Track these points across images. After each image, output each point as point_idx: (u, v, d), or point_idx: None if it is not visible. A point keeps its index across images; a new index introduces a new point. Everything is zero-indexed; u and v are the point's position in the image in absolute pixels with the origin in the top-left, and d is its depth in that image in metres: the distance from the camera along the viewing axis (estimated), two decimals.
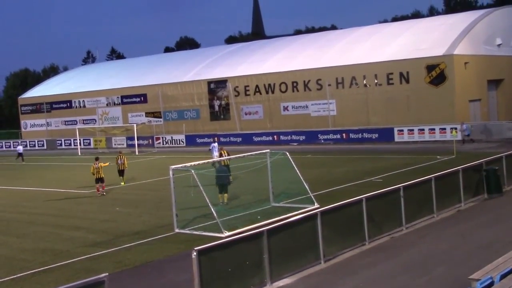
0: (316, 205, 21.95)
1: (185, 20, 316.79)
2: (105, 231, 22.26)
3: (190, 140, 61.87)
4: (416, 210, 19.55)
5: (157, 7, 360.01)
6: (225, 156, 29.20)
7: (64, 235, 22.18)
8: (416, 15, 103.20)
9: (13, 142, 70.44)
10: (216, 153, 35.29)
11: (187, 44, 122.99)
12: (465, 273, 11.93)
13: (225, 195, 24.60)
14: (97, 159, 32.85)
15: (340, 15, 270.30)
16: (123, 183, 34.66)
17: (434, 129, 46.97)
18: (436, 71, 48.68)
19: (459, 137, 43.12)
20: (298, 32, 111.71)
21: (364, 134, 50.50)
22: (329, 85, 54.39)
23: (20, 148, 57.92)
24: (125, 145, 65.25)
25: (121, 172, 34.77)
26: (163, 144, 63.50)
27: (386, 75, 51.60)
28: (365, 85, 52.45)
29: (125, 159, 35.09)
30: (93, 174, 31.65)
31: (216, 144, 38.08)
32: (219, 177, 24.26)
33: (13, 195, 34.04)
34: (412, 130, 48.15)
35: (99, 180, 31.45)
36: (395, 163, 34.51)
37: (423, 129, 47.56)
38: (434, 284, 13.92)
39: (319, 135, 53.51)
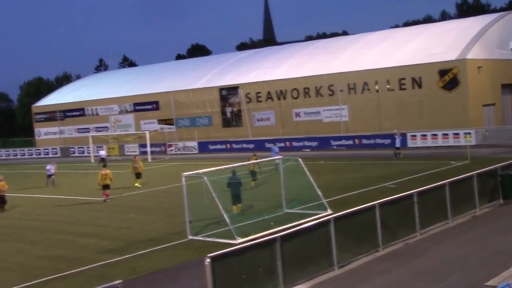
0: (329, 211, 21.87)
1: (196, 27, 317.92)
2: (119, 238, 22.29)
3: (203, 147, 61.95)
4: (431, 216, 19.40)
5: (168, 15, 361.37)
6: (253, 161, 30.24)
7: (78, 242, 22.24)
8: (428, 19, 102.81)
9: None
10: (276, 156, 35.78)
11: (198, 51, 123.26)
12: (481, 280, 11.84)
13: (239, 205, 24.12)
14: (104, 166, 33.14)
15: (351, 21, 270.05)
16: (137, 184, 35.87)
17: (447, 134, 46.70)
18: (449, 76, 48.43)
19: (473, 142, 42.82)
20: (309, 38, 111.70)
21: (377, 139, 50.29)
22: (341, 90, 54.29)
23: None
24: (137, 152, 65.39)
25: (138, 175, 36.39)
26: (175, 151, 63.62)
27: (398, 80, 51.42)
28: (377, 91, 52.28)
29: (140, 163, 36.80)
30: (100, 181, 31.85)
31: (276, 148, 40.95)
32: (230, 186, 23.90)
33: (28, 203, 34.19)
34: (425, 135, 47.91)
35: (106, 187, 31.68)
36: (409, 169, 34.34)
37: (436, 134, 47.31)
38: None
39: (331, 141, 53.37)
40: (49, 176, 41.74)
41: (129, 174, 37.22)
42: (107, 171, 32.12)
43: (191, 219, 21.18)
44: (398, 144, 43.01)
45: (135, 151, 65.47)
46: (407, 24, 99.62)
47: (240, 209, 24.21)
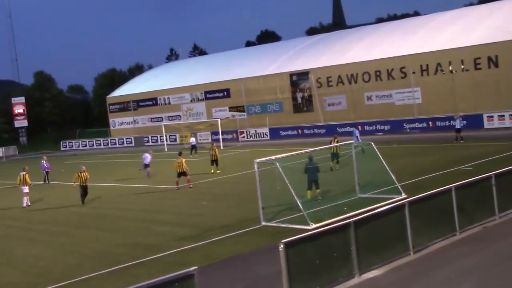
0: (404, 196, 21.56)
1: (265, 14, 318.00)
2: (194, 225, 22.70)
3: (274, 133, 62.13)
4: (510, 199, 18.81)
5: (237, 2, 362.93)
6: (335, 142, 31.16)
7: (155, 229, 22.78)
8: None
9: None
10: (357, 140, 36.23)
11: (268, 37, 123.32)
12: None
13: (317, 190, 24.05)
14: (180, 154, 33.67)
15: (422, 1, 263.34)
16: (212, 171, 37.16)
17: None
18: None
19: None
20: (380, 20, 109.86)
21: (452, 121, 48.89)
22: (413, 72, 53.26)
23: (193, 140, 56.18)
24: (209, 140, 66.20)
25: (213, 162, 37.69)
26: (247, 138, 64.08)
27: (473, 60, 49.97)
28: (451, 71, 50.97)
29: (216, 150, 37.93)
30: (177, 169, 32.47)
31: (357, 131, 40.94)
32: (307, 172, 23.89)
33: (106, 192, 35.23)
34: (503, 115, 46.44)
35: (181, 174, 32.25)
36: (486, 151, 33.39)
37: None
38: None
39: (404, 124, 52.51)
40: (146, 165, 39.80)
41: (204, 161, 37.83)
42: (182, 159, 32.67)
43: (264, 205, 21.33)
44: (458, 126, 41.51)
45: (207, 139, 66.38)
46: (482, 1, 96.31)
47: (320, 194, 24.17)
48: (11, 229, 26.59)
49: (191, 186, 32.23)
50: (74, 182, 31.39)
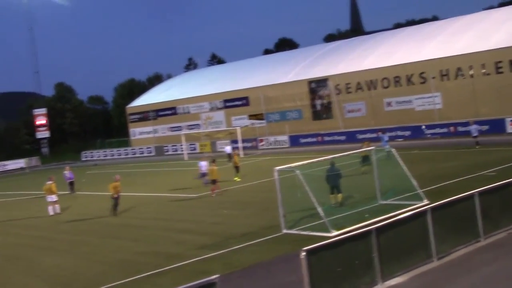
0: (426, 202, 21.41)
1: (283, 21, 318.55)
2: (214, 233, 22.70)
3: (294, 140, 62.04)
4: None
5: (254, 11, 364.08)
6: (365, 147, 31.10)
7: (175, 238, 22.83)
8: None
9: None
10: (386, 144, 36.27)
11: (286, 44, 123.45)
12: None
13: (339, 195, 24.28)
14: (213, 161, 33.76)
15: (441, 6, 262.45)
16: (236, 179, 37.69)
17: None
18: None
19: None
20: (398, 26, 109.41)
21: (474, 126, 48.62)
22: (433, 77, 52.92)
23: (228, 149, 55.16)
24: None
25: (236, 169, 38.54)
26: (267, 145, 64.05)
27: (495, 64, 49.52)
28: (472, 76, 50.57)
29: (236, 157, 39.23)
30: (209, 175, 32.73)
31: (386, 136, 40.47)
32: (329, 178, 24.04)
33: (126, 201, 35.37)
34: None
35: (213, 181, 32.49)
36: (509, 156, 32.96)
37: None
38: None
39: (425, 130, 52.15)
40: (203, 175, 37.01)
41: (224, 170, 37.94)
42: (214, 167, 32.87)
43: (285, 213, 21.28)
44: (475, 133, 41.75)
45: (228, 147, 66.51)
46: (502, 4, 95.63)
47: (341, 199, 24.29)
48: (36, 239, 26.82)
49: (213, 195, 32.23)
50: (113, 194, 30.35)
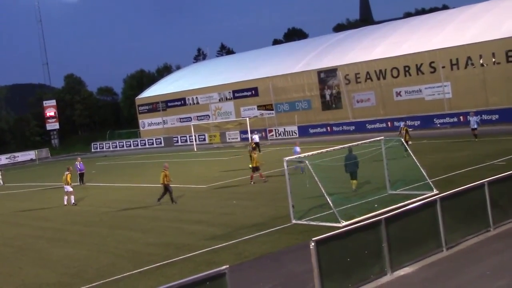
0: (435, 191, 21.37)
1: (292, 12, 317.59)
2: (224, 224, 22.76)
3: (303, 131, 62.00)
4: None
5: (263, 1, 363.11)
6: (404, 132, 33.73)
7: (185, 229, 22.91)
8: None
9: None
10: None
11: (295, 35, 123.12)
12: None
13: (354, 181, 24.96)
14: (254, 148, 33.41)
15: None
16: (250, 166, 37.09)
17: None
18: None
19: None
20: (407, 15, 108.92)
21: (483, 115, 48.32)
22: (443, 67, 52.67)
23: (256, 138, 52.71)
24: (238, 139, 66.39)
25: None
26: (276, 136, 64.04)
27: (505, 53, 49.19)
28: (482, 65, 50.29)
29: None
30: (253, 163, 32.70)
31: (401, 123, 39.91)
32: (347, 165, 24.76)
33: (137, 192, 35.56)
34: None
35: (256, 168, 32.55)
36: None
37: None
38: None
39: (434, 119, 51.98)
40: (256, 144, 36.21)
41: (231, 160, 37.75)
42: (254, 154, 33.14)
43: (294, 203, 21.30)
44: (474, 125, 39.59)
45: (236, 138, 66.61)
46: None
47: (355, 185, 24.85)
48: (46, 230, 26.98)
49: (265, 180, 32.05)
50: (165, 182, 29.23)
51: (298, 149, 33.04)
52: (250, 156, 38.06)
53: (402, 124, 38.99)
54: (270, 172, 35.51)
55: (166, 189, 29.26)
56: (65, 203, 33.21)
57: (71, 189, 33.53)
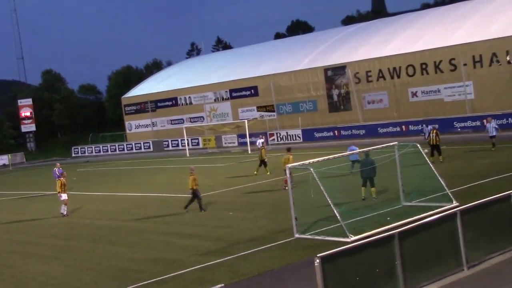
0: (455, 203, 21.39)
1: (296, 2, 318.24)
2: (219, 238, 22.74)
3: (308, 134, 62.07)
4: None
5: None
6: (434, 136, 34.57)
7: (176, 243, 22.90)
8: None
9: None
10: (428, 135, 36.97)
11: (299, 28, 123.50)
12: None
13: (372, 189, 25.11)
14: (288, 149, 33.41)
15: None
16: (268, 173, 38.47)
17: None
18: None
19: None
20: (425, 6, 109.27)
21: (510, 119, 48.45)
22: (465, 64, 52.76)
23: (259, 142, 51.64)
24: (236, 144, 66.45)
25: (261, 163, 39.35)
26: (277, 140, 64.08)
27: None
28: (509, 62, 50.38)
29: (262, 151, 39.92)
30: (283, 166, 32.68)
31: (428, 128, 39.23)
32: (363, 170, 25.04)
33: (121, 202, 35.53)
34: None
35: (263, 162, 33.11)
36: None
37: None
38: None
39: (454, 123, 52.05)
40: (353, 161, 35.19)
41: (227, 167, 37.76)
42: (290, 156, 32.35)
43: (297, 215, 21.29)
44: (492, 133, 37.98)
45: (233, 142, 66.64)
46: None
47: (375, 193, 25.18)
48: (19, 244, 26.90)
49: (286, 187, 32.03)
50: (194, 187, 28.98)
51: (355, 147, 32.86)
52: (263, 161, 38.26)
53: (430, 127, 38.01)
54: (271, 181, 35.53)
55: (195, 195, 29.07)
56: (65, 213, 32.58)
57: (64, 197, 32.77)
